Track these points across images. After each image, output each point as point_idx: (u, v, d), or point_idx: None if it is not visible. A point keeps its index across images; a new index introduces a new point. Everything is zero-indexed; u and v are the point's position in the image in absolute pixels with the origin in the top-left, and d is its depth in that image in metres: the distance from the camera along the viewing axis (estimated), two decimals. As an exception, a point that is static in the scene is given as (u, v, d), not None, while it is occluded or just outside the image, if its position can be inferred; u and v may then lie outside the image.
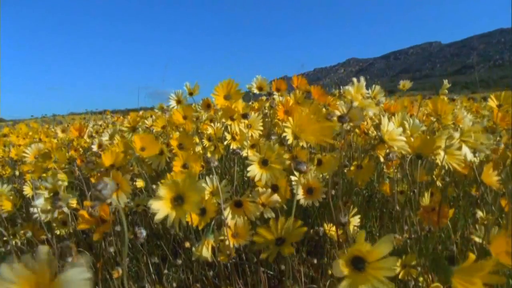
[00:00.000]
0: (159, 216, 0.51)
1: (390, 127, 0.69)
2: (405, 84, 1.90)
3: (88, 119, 3.96)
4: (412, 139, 0.70)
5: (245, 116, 0.88)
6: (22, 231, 0.89)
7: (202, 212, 0.67)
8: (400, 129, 0.70)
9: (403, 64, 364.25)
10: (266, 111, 1.29)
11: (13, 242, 0.95)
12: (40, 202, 0.76)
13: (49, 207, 0.74)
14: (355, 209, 0.73)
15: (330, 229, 0.76)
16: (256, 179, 0.65)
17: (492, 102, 0.95)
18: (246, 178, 0.99)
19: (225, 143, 0.88)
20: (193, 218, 0.65)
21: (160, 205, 0.51)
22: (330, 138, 0.67)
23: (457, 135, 0.69)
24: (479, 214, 0.78)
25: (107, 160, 0.80)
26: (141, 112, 3.60)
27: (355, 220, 0.72)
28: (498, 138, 1.06)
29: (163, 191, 0.51)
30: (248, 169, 0.65)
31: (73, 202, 0.78)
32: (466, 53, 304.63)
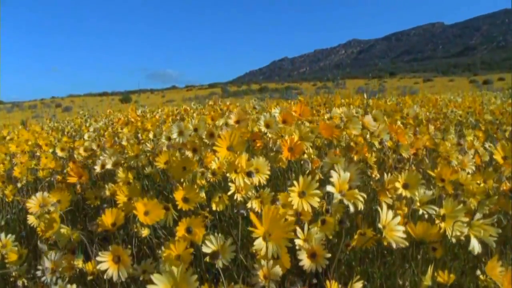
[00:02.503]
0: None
1: (389, 216, 0.69)
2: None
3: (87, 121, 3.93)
4: (414, 227, 0.71)
5: (249, 174, 0.88)
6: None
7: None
8: (398, 218, 0.70)
9: (404, 45, 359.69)
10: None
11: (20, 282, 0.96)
12: (47, 265, 0.78)
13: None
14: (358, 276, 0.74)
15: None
16: (262, 252, 0.66)
17: (498, 155, 0.95)
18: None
19: (229, 193, 0.88)
20: None
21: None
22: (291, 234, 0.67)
23: (465, 230, 0.69)
24: None
25: (108, 219, 0.80)
26: (140, 112, 3.59)
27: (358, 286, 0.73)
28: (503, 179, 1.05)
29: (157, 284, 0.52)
30: (255, 243, 0.65)
31: (79, 262, 0.79)
32: (469, 34, 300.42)
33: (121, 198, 0.95)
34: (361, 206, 0.73)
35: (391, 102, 3.86)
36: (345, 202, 0.73)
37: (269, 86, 54.03)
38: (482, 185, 1.03)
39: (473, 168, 1.05)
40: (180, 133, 1.42)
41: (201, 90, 57.54)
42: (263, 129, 1.16)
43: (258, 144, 1.28)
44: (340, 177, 0.74)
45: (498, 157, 0.95)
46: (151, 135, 1.86)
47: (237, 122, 1.30)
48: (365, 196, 0.76)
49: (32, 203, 0.96)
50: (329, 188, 0.72)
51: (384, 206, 0.70)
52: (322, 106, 3.26)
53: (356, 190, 0.75)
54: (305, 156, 1.10)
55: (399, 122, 2.71)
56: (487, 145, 2.26)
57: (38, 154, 2.26)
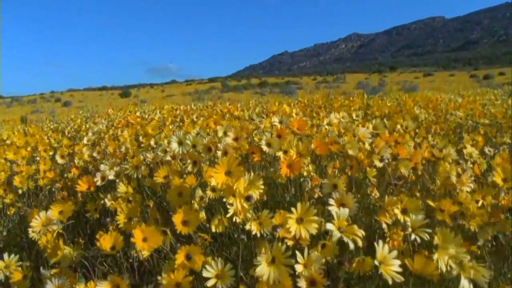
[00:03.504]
0: None
1: (385, 250, 0.70)
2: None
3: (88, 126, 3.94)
4: (412, 261, 0.71)
5: (248, 198, 0.88)
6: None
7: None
8: (395, 252, 0.70)
9: (405, 39, 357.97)
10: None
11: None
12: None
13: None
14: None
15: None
16: (264, 278, 0.66)
17: (498, 177, 0.95)
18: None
19: (228, 215, 0.88)
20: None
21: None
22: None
23: (455, 272, 0.69)
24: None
25: (107, 243, 0.80)
26: (139, 113, 3.58)
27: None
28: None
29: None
30: (257, 270, 0.66)
31: (81, 286, 0.79)
32: (470, 29, 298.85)
33: (121, 219, 0.95)
34: (360, 243, 0.73)
35: (391, 103, 3.85)
36: (345, 239, 0.73)
37: (269, 81, 53.92)
38: (481, 202, 1.03)
39: (472, 186, 1.05)
40: (180, 143, 1.42)
41: (201, 84, 57.42)
42: (265, 149, 1.16)
43: (256, 159, 1.28)
44: (339, 213, 0.74)
45: (498, 179, 0.95)
46: (152, 142, 1.86)
47: (235, 139, 1.30)
48: (363, 233, 0.76)
49: (36, 223, 0.96)
50: (328, 226, 0.73)
51: (380, 243, 0.70)
52: (322, 108, 3.25)
53: (355, 226, 0.75)
54: (305, 173, 1.11)
55: (399, 126, 2.72)
56: (486, 149, 2.27)
57: (38, 158, 2.27)
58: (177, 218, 0.86)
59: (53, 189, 1.60)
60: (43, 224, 0.95)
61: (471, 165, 1.54)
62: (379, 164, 1.18)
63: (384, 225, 0.95)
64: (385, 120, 2.76)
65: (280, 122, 1.70)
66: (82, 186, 1.17)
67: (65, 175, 1.91)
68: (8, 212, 1.44)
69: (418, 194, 1.15)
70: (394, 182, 1.16)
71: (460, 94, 8.30)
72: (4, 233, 1.47)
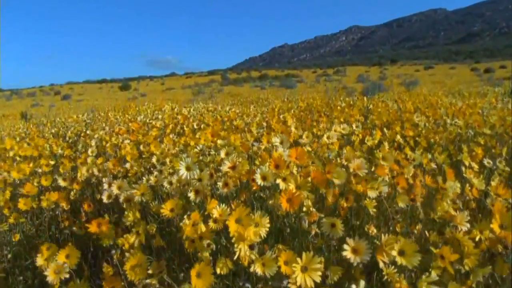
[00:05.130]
0: None
1: None
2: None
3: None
4: None
5: (251, 247, 0.90)
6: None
7: None
8: None
9: (406, 32, 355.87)
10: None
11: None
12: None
13: None
14: None
15: None
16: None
17: (495, 223, 0.96)
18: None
19: (235, 257, 0.91)
20: None
21: None
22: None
23: None
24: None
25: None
26: (140, 119, 3.59)
27: None
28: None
29: None
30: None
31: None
32: (471, 21, 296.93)
33: (129, 266, 0.98)
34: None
35: (392, 108, 3.85)
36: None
37: (269, 74, 53.80)
38: (478, 236, 1.05)
39: (468, 226, 1.07)
40: (188, 169, 1.44)
41: (201, 77, 57.31)
42: (260, 182, 1.18)
43: (255, 187, 1.30)
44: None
45: (495, 226, 0.96)
46: (154, 160, 1.88)
47: (232, 168, 1.32)
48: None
49: (49, 272, 0.99)
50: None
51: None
52: (323, 115, 3.26)
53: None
54: (304, 208, 1.13)
55: (398, 136, 2.73)
56: (485, 161, 2.28)
57: (40, 170, 2.29)
58: (193, 272, 0.88)
59: (57, 213, 1.62)
60: (55, 271, 0.98)
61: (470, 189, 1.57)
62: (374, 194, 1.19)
63: (381, 264, 0.97)
64: (385, 130, 2.78)
65: (281, 143, 1.72)
66: (93, 227, 1.19)
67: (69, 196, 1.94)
68: (13, 239, 1.47)
69: (416, 229, 1.17)
70: (393, 216, 1.18)
71: (460, 93, 8.31)
72: (9, 256, 1.50)
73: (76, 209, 2.23)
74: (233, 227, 0.90)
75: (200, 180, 1.28)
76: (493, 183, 1.82)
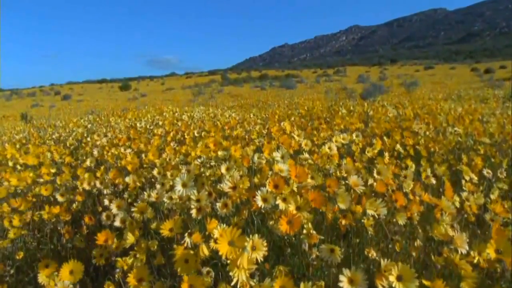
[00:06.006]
0: None
1: None
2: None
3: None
4: None
5: (251, 275, 0.91)
6: None
7: None
8: None
9: (406, 31, 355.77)
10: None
11: None
12: None
13: None
14: None
15: None
16: None
17: (491, 248, 0.97)
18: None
19: (232, 284, 0.92)
20: None
21: None
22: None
23: None
24: None
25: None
26: (141, 126, 3.60)
27: None
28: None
29: None
30: None
31: None
32: (471, 20, 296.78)
33: (132, 281, 0.99)
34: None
35: (391, 113, 3.86)
36: None
37: (269, 74, 53.82)
38: (476, 258, 1.07)
39: (467, 248, 1.08)
40: (184, 185, 1.45)
41: (201, 77, 57.33)
42: (261, 204, 1.19)
43: (254, 207, 1.31)
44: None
45: (491, 250, 0.97)
46: (155, 172, 1.89)
47: (233, 188, 1.33)
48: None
49: None
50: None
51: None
52: (323, 123, 3.27)
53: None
54: (304, 230, 1.14)
55: (398, 145, 2.74)
56: (485, 171, 2.30)
57: (41, 180, 2.30)
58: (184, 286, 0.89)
59: (59, 228, 1.63)
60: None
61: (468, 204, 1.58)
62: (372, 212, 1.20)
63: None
64: (385, 138, 2.79)
65: (282, 157, 1.73)
66: (100, 239, 1.20)
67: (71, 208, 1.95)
68: (17, 257, 1.48)
69: (414, 254, 1.18)
70: (391, 237, 1.19)
71: (460, 97, 8.33)
72: (12, 272, 1.51)
73: (78, 218, 2.25)
74: (223, 249, 0.90)
75: (198, 201, 1.29)
76: (492, 197, 1.84)
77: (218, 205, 1.29)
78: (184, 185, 1.47)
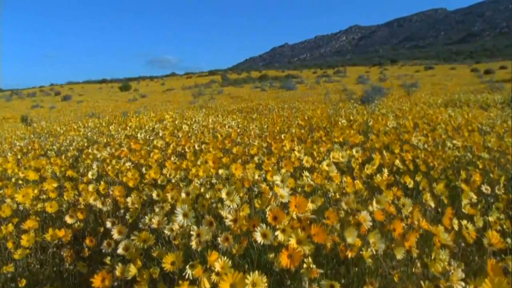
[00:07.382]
0: None
1: None
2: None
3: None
4: None
5: None
6: None
7: None
8: None
9: (406, 31, 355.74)
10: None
11: None
12: None
13: None
14: None
15: None
16: None
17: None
18: None
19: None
20: None
21: None
22: None
23: None
24: None
25: None
26: (140, 137, 3.62)
27: None
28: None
29: None
30: None
31: None
32: (472, 21, 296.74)
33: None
34: None
35: (391, 124, 3.88)
36: None
37: (269, 74, 53.81)
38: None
39: (463, 284, 1.09)
40: (185, 216, 1.48)
41: (201, 77, 57.33)
42: (260, 240, 1.21)
43: (254, 238, 1.32)
44: None
45: (486, 288, 0.99)
46: (154, 195, 1.91)
47: (234, 221, 1.35)
48: None
49: None
50: None
51: None
52: (323, 133, 3.29)
53: None
54: (304, 265, 1.15)
55: (397, 161, 2.76)
56: (483, 187, 2.31)
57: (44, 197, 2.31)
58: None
59: (62, 254, 1.65)
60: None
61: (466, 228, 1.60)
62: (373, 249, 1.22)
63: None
64: (384, 152, 2.81)
65: (282, 181, 1.75)
66: (97, 281, 1.22)
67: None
68: (20, 284, 1.49)
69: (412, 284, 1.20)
70: (389, 272, 1.21)
71: (460, 102, 8.35)
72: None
73: (79, 236, 2.26)
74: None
75: (199, 235, 1.31)
76: (491, 219, 1.85)
77: (219, 239, 1.31)
78: (185, 215, 1.49)
